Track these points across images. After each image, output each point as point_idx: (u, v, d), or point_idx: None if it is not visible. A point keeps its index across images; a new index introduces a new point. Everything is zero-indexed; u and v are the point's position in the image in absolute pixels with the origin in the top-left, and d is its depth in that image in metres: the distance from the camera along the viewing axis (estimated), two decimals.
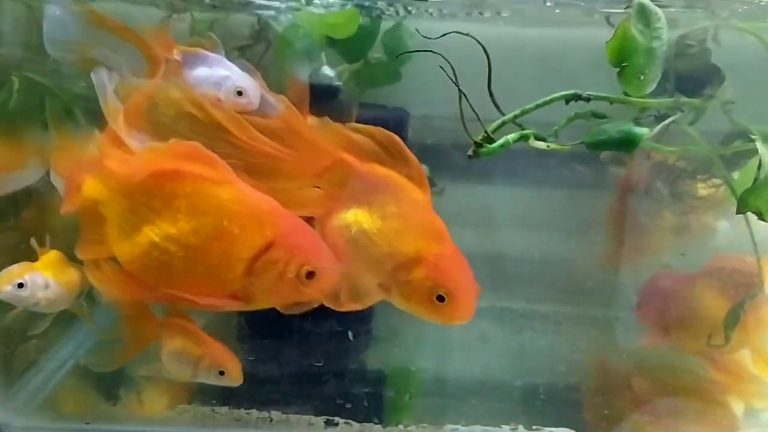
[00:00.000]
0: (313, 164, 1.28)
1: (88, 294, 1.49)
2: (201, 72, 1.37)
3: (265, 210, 1.18)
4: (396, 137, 1.28)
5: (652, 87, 1.32)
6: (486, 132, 1.28)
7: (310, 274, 1.15)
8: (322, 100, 1.64)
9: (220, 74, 1.35)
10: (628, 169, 1.78)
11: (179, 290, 1.18)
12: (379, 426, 1.61)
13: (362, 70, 1.72)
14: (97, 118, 1.27)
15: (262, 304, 1.20)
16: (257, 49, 1.74)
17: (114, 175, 1.23)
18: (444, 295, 1.15)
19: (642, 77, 1.30)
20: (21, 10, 1.78)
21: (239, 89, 1.31)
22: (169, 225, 1.17)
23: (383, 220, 1.22)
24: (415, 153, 1.47)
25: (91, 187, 1.25)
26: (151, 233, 1.18)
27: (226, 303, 1.19)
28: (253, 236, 1.15)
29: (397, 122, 1.63)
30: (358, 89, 1.74)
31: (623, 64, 1.30)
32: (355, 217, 1.24)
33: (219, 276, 1.16)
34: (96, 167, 1.25)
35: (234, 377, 1.39)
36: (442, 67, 1.21)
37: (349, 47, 1.67)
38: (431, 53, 1.24)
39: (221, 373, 1.38)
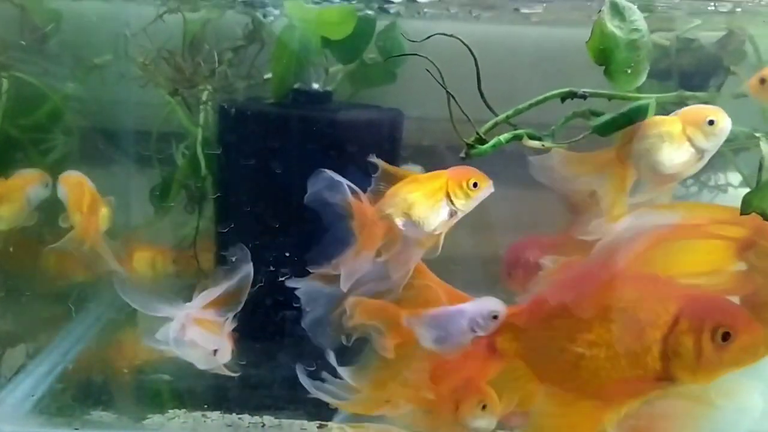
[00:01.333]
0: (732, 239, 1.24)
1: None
2: (438, 330, 1.26)
3: (663, 286, 1.22)
4: None
5: (642, 79, 1.30)
6: (478, 133, 1.26)
7: (726, 335, 1.14)
8: (312, 107, 1.63)
9: (462, 319, 1.25)
10: None
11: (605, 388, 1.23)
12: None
13: (357, 70, 1.71)
14: None
15: (689, 379, 1.20)
16: (251, 49, 1.73)
17: (520, 326, 1.27)
18: None
19: (629, 71, 1.28)
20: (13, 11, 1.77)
21: (494, 314, 1.25)
22: (587, 333, 1.21)
23: None
24: (410, 154, 1.46)
25: (508, 346, 1.28)
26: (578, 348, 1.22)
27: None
28: (659, 315, 1.18)
29: (391, 123, 1.62)
30: (351, 90, 1.73)
31: (607, 61, 1.28)
32: None
33: (639, 363, 1.20)
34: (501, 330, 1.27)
35: (497, 411, 1.31)
36: (428, 70, 1.19)
37: (344, 47, 1.65)
38: (426, 53, 1.22)
39: (484, 407, 1.30)
